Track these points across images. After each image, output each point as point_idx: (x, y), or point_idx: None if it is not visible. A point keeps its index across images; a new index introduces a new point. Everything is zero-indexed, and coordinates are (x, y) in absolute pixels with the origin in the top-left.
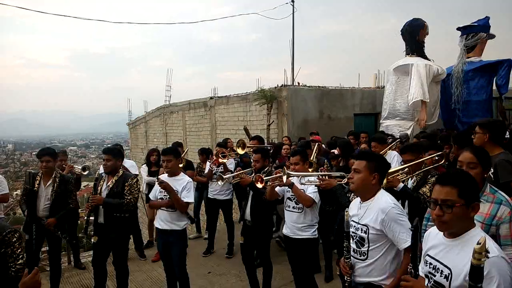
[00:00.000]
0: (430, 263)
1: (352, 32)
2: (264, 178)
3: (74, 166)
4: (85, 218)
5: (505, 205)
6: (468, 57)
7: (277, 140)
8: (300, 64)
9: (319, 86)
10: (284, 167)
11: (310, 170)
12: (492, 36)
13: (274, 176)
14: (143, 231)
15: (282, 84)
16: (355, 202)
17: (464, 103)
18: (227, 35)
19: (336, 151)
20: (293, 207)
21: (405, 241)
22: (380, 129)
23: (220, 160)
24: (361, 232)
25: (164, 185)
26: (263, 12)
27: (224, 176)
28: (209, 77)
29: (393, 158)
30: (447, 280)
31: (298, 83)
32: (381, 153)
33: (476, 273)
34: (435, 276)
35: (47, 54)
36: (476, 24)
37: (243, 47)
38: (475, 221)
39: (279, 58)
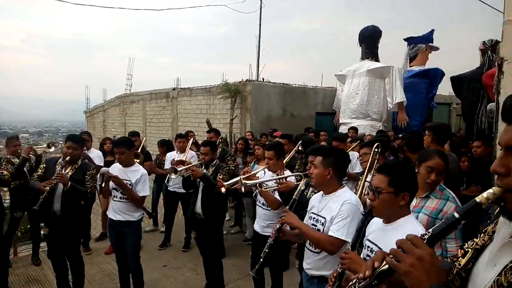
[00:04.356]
0: (368, 246)
1: (321, 32)
2: (225, 184)
3: (36, 147)
4: (44, 194)
5: (451, 201)
6: (411, 66)
7: (240, 135)
8: (266, 61)
9: (283, 83)
10: (240, 176)
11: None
12: (435, 48)
13: (235, 180)
14: (97, 223)
15: (247, 79)
16: (317, 196)
17: None
18: (196, 28)
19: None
20: (263, 203)
21: (333, 231)
22: (340, 130)
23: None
24: (320, 224)
25: (118, 181)
26: (232, 4)
27: (178, 169)
28: (175, 68)
29: (355, 160)
30: None
31: (263, 79)
32: None
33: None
34: (370, 257)
35: None
36: (416, 36)
37: (212, 40)
38: (423, 214)
39: (245, 53)
